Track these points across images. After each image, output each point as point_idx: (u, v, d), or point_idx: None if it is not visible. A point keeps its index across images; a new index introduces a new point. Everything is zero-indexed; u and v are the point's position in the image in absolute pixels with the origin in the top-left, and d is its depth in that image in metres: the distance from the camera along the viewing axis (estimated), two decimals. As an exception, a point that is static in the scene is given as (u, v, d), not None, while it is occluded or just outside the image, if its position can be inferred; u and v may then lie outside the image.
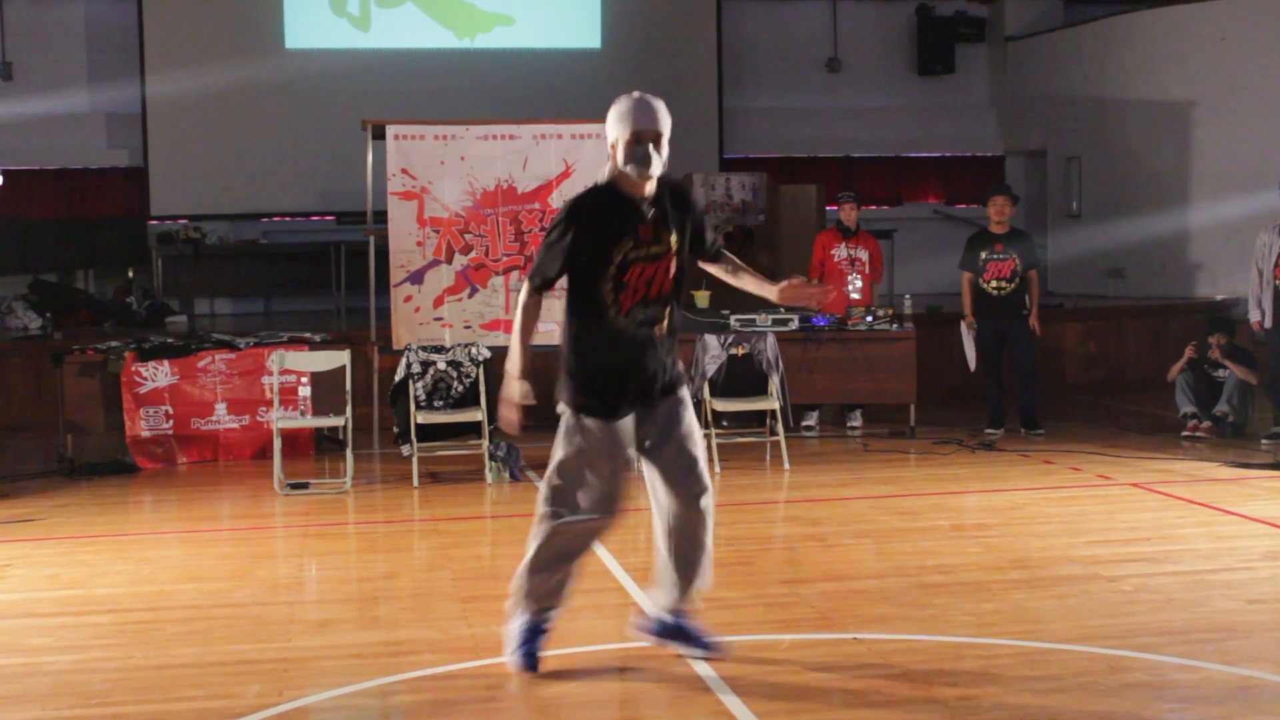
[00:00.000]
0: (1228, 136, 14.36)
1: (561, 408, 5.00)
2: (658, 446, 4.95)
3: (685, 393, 5.06)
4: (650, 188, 4.85)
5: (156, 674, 5.03)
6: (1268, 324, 9.73)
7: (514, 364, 4.94)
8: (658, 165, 4.80)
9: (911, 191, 17.68)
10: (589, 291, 4.84)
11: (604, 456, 4.88)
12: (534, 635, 5.01)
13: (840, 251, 10.86)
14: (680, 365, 5.07)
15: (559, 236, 4.82)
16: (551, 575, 4.98)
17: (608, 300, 4.82)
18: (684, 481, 4.95)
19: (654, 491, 5.03)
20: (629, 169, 4.77)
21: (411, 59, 15.73)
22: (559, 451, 4.98)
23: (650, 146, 4.76)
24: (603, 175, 4.92)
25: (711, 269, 5.25)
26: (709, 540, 5.03)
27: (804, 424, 10.63)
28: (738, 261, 5.27)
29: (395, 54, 15.71)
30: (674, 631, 5.14)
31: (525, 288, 4.94)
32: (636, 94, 4.87)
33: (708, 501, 4.98)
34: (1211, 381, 10.34)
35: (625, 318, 4.83)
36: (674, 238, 4.90)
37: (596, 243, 4.79)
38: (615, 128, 4.80)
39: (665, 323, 4.92)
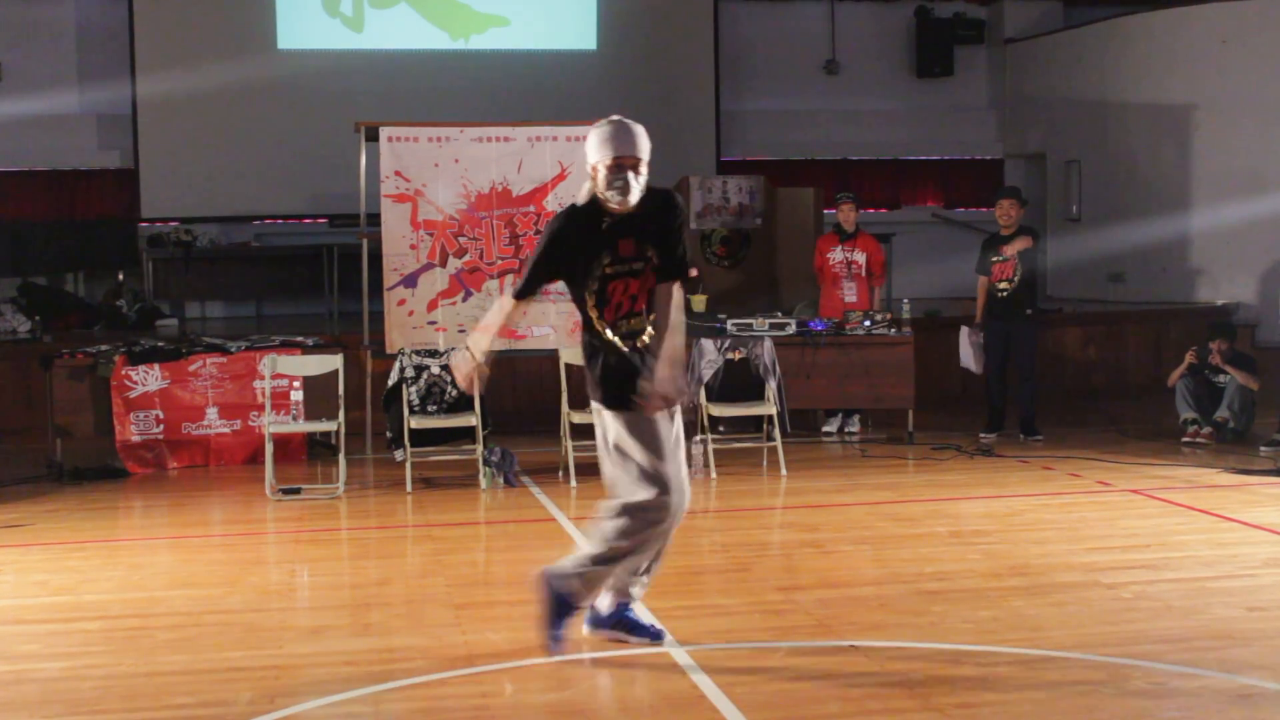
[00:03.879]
0: (1228, 140, 14.33)
1: (593, 405, 5.16)
2: None
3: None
4: (633, 202, 5.00)
5: (146, 681, 4.98)
6: None
7: (477, 346, 5.11)
8: (636, 192, 4.95)
9: (910, 195, 17.63)
10: (579, 304, 5.09)
11: (637, 441, 4.98)
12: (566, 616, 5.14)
13: (836, 254, 10.78)
14: None
15: (542, 253, 5.02)
16: (616, 567, 5.10)
17: (592, 314, 5.04)
18: None
19: None
20: (609, 195, 4.94)
21: (405, 60, 15.69)
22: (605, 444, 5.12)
23: (630, 174, 4.91)
24: (582, 195, 5.06)
25: (656, 291, 5.06)
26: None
27: (824, 429, 10.64)
28: (674, 311, 5.04)
29: (389, 55, 15.67)
30: (623, 623, 5.26)
31: (508, 292, 5.18)
32: (616, 118, 5.02)
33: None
34: (1212, 387, 10.31)
35: (610, 329, 5.03)
36: (653, 251, 5.04)
37: (576, 260, 4.98)
38: (595, 152, 4.96)
39: (649, 333, 5.06)
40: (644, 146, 4.95)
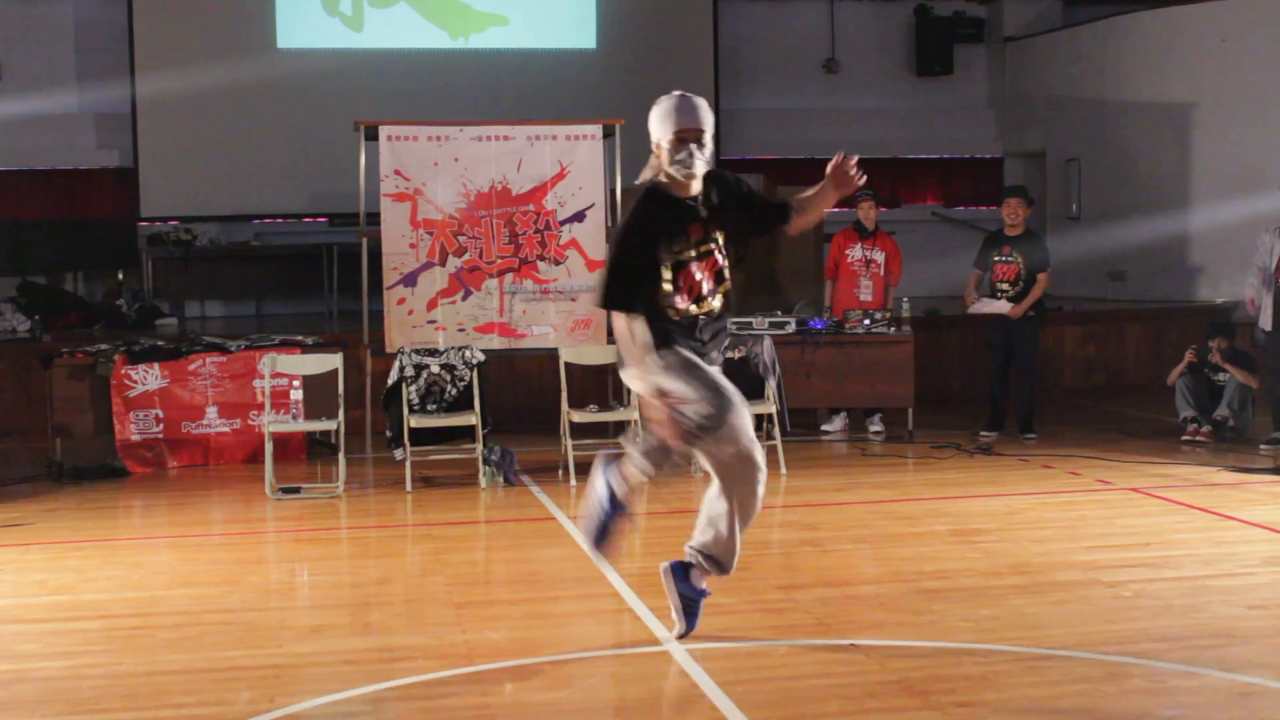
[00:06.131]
0: (1228, 138, 14.32)
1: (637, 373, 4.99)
2: None
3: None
4: (697, 186, 4.96)
5: (146, 680, 4.99)
6: (1267, 326, 9.68)
7: (649, 360, 4.85)
8: (701, 164, 4.92)
9: (910, 193, 17.61)
10: (643, 293, 4.88)
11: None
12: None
13: (855, 252, 10.68)
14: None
15: (626, 242, 4.88)
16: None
17: (663, 302, 4.89)
18: None
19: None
20: (674, 169, 4.90)
21: (405, 59, 15.68)
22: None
23: (693, 146, 4.88)
24: (645, 176, 5.01)
25: (797, 223, 5.27)
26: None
27: (823, 428, 10.62)
28: (798, 204, 5.32)
29: (388, 54, 15.66)
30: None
31: (622, 317, 4.88)
32: (678, 93, 5.03)
33: None
34: (1211, 385, 10.31)
35: (676, 314, 4.90)
36: (720, 232, 5.00)
37: (659, 242, 4.86)
38: (658, 128, 4.94)
39: (715, 311, 5.02)
40: (707, 119, 4.94)
